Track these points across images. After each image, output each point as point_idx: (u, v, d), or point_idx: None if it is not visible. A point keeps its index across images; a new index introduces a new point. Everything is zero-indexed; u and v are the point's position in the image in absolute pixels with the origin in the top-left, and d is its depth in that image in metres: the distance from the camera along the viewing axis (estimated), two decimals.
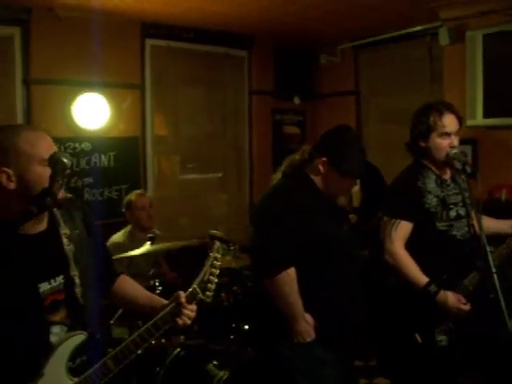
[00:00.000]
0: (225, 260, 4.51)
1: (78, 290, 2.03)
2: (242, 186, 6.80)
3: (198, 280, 2.27)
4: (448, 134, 3.02)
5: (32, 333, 1.92)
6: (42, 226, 2.01)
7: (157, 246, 4.22)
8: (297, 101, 6.97)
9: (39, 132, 1.98)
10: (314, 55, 6.97)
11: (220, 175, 6.67)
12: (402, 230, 3.02)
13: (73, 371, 1.98)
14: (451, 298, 2.96)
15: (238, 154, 6.76)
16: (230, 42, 6.41)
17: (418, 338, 3.03)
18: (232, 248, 4.59)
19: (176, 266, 4.77)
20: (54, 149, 1.95)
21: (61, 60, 5.17)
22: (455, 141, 3.04)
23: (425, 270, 2.99)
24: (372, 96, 6.75)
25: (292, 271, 2.70)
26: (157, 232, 4.68)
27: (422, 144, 3.08)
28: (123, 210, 4.74)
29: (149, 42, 5.84)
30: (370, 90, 6.75)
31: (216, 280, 2.30)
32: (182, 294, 2.21)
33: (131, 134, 5.73)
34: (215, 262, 2.32)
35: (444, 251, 3.02)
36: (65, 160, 1.91)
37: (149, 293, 2.41)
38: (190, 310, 2.21)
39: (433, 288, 2.95)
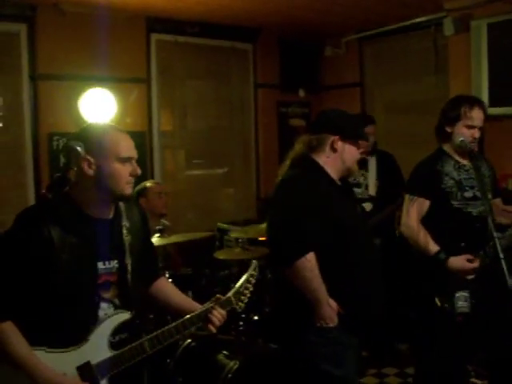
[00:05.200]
0: (233, 252, 4.56)
1: (129, 276, 2.28)
2: (249, 179, 6.81)
3: (233, 290, 2.50)
4: (472, 126, 3.31)
5: (84, 303, 2.18)
6: (110, 214, 2.30)
7: (167, 240, 4.26)
8: (302, 93, 6.98)
9: (124, 134, 2.26)
10: (318, 47, 6.97)
11: (226, 168, 6.70)
12: (419, 205, 3.38)
13: (112, 345, 2.20)
14: (456, 260, 3.24)
15: (244, 147, 6.78)
16: (235, 36, 6.42)
17: (438, 301, 3.26)
18: (240, 241, 4.62)
19: (185, 257, 4.81)
20: (134, 151, 2.26)
21: (67, 55, 5.20)
22: (477, 134, 3.34)
23: (443, 240, 3.28)
24: (377, 87, 6.75)
25: (311, 257, 2.70)
26: (166, 223, 4.70)
27: (448, 129, 3.39)
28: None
29: (154, 37, 5.87)
30: (375, 82, 6.75)
31: (249, 295, 2.53)
32: (221, 297, 2.44)
33: (138, 128, 5.75)
34: (251, 278, 2.56)
35: (460, 225, 3.30)
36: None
37: (186, 297, 2.61)
38: (221, 314, 2.40)
39: (442, 255, 3.24)
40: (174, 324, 2.30)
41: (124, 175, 2.20)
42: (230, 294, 2.47)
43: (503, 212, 3.54)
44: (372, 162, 4.97)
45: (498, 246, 2.79)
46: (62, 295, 2.11)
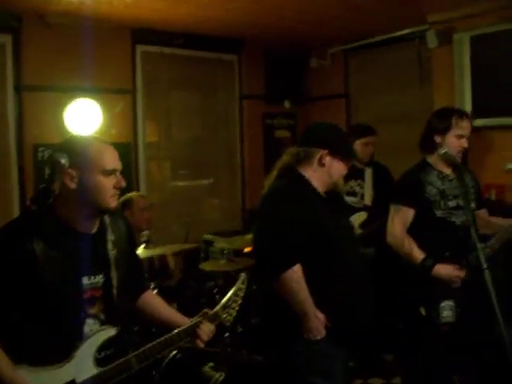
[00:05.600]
0: (219, 264, 4.55)
1: (114, 291, 2.25)
2: (234, 191, 6.82)
3: (221, 304, 2.46)
4: (462, 136, 3.40)
5: (70, 319, 2.12)
6: (94, 228, 2.25)
7: (152, 251, 4.25)
8: (287, 104, 7.01)
9: (108, 145, 2.22)
10: (304, 59, 7.01)
11: (212, 180, 6.70)
12: (404, 214, 3.43)
13: (97, 362, 2.14)
14: (444, 268, 3.28)
15: (229, 158, 6.79)
16: (220, 47, 6.44)
17: (423, 311, 3.29)
18: (226, 252, 4.62)
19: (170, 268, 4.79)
20: (118, 163, 2.21)
21: (52, 66, 5.19)
22: (466, 143, 3.42)
23: (427, 249, 3.32)
24: (362, 98, 6.80)
25: (298, 268, 2.70)
26: (144, 233, 4.66)
27: (438, 139, 3.43)
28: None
29: (140, 48, 5.88)
30: (360, 93, 6.80)
31: (238, 308, 2.50)
32: (209, 311, 2.41)
33: (123, 139, 5.74)
34: (239, 292, 2.53)
35: (444, 234, 3.36)
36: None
37: (173, 310, 2.58)
38: (209, 328, 2.37)
39: (429, 262, 3.29)
40: (161, 339, 2.25)
41: (108, 188, 2.16)
42: (217, 308, 2.44)
43: (488, 223, 3.58)
44: (368, 173, 5.00)
45: (482, 256, 2.81)
46: (46, 311, 2.06)
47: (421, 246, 3.36)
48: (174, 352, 3.58)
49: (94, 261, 2.21)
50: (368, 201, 4.95)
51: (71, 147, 2.17)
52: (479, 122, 4.87)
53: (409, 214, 3.43)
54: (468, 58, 5.01)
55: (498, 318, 2.71)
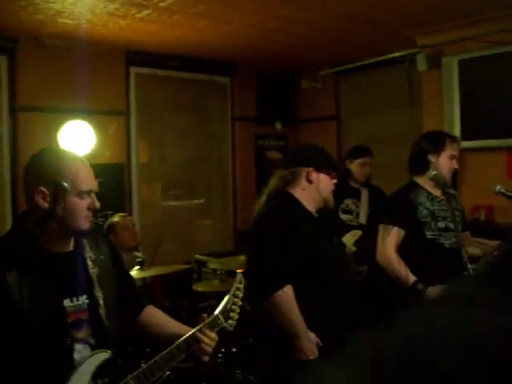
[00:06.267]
0: (212, 284, 4.57)
1: (102, 311, 2.06)
2: (226, 211, 6.86)
3: (220, 308, 2.30)
4: (454, 157, 3.50)
5: (56, 347, 1.94)
6: (69, 247, 2.10)
7: (146, 272, 4.27)
8: (278, 126, 7.08)
9: (83, 163, 2.06)
10: (295, 81, 7.10)
11: (204, 200, 6.74)
12: (394, 235, 3.43)
13: None
14: (435, 290, 3.25)
15: (221, 179, 6.84)
16: (213, 69, 6.52)
17: None
18: (218, 272, 4.63)
19: (163, 290, 4.81)
20: (94, 183, 2.07)
21: (47, 88, 5.24)
22: (456, 164, 3.52)
23: (417, 271, 3.32)
24: (353, 120, 6.88)
25: (288, 289, 2.73)
26: (139, 254, 4.69)
27: (432, 159, 3.49)
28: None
29: (133, 70, 5.94)
30: (351, 115, 6.88)
31: (239, 310, 2.34)
32: (205, 317, 2.24)
33: (116, 160, 5.78)
34: (238, 292, 2.38)
35: (434, 257, 3.36)
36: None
37: (177, 322, 2.38)
38: (210, 338, 2.19)
39: (419, 286, 3.28)
40: (161, 354, 2.07)
41: (82, 209, 2.02)
42: (216, 312, 2.27)
43: (476, 243, 3.63)
44: (365, 193, 5.07)
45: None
46: (29, 341, 1.89)
47: (410, 268, 3.36)
48: (168, 373, 3.58)
49: (75, 281, 2.05)
50: (363, 219, 5.01)
51: (42, 163, 2.05)
52: (468, 144, 4.95)
53: (400, 234, 3.43)
54: (457, 81, 5.10)
55: None
